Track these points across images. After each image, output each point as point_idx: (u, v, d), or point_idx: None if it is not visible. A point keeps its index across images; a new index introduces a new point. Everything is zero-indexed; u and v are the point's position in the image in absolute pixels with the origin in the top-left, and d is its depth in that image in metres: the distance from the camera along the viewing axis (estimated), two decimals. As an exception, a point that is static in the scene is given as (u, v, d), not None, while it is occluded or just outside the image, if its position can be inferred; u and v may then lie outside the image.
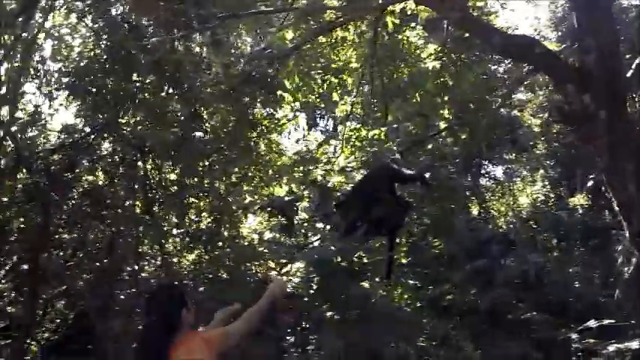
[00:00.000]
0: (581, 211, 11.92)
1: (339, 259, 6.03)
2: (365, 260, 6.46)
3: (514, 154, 14.48)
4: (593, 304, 9.41)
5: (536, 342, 7.65)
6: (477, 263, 10.71)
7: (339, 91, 11.70)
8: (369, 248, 6.65)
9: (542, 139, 15.46)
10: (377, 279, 6.69)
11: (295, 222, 8.54)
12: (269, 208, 8.66)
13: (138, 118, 9.41)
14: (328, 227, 7.97)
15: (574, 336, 6.97)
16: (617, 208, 6.80)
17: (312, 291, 6.62)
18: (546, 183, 16.64)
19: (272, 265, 10.46)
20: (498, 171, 17.44)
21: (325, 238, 7.51)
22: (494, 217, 13.50)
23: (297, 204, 8.46)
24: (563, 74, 6.62)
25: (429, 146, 10.80)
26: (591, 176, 12.88)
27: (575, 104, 6.79)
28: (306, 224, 9.66)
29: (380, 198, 7.01)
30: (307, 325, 7.46)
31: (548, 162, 16.47)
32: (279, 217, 8.67)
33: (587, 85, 6.51)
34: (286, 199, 8.77)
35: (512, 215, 13.66)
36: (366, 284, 6.33)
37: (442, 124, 10.59)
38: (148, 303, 3.77)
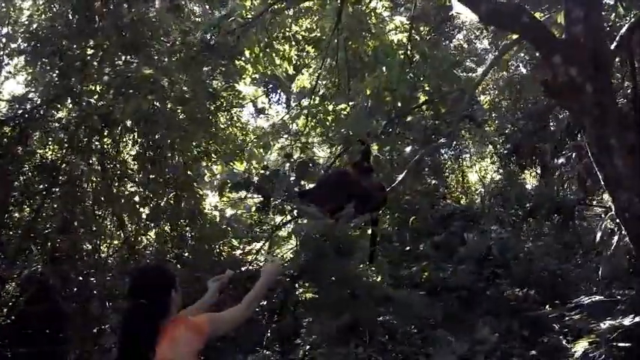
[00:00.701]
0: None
1: (327, 237, 5.72)
2: (352, 238, 6.19)
3: (469, 131, 14.40)
4: (562, 280, 9.43)
5: (519, 319, 7.54)
6: (438, 238, 10.65)
7: (301, 63, 11.34)
8: (355, 226, 6.39)
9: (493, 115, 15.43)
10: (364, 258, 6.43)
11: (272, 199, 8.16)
12: (243, 185, 8.24)
13: (102, 87, 8.84)
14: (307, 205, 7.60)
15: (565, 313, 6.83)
16: (602, 183, 6.70)
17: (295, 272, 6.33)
18: (495, 160, 16.67)
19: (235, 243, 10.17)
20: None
21: (304, 216, 7.17)
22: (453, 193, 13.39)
23: (274, 180, 8.06)
24: (549, 45, 6.46)
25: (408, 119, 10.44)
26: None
27: (562, 77, 6.67)
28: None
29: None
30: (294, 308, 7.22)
31: (496, 138, 16.48)
32: (254, 193, 8.26)
33: (573, 58, 6.37)
34: (262, 173, 8.36)
35: (473, 191, 13.58)
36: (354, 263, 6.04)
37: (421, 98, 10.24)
38: (133, 285, 3.49)
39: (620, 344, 6.28)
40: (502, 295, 8.28)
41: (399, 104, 9.73)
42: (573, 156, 9.71)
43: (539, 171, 13.79)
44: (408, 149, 10.28)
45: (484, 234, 10.79)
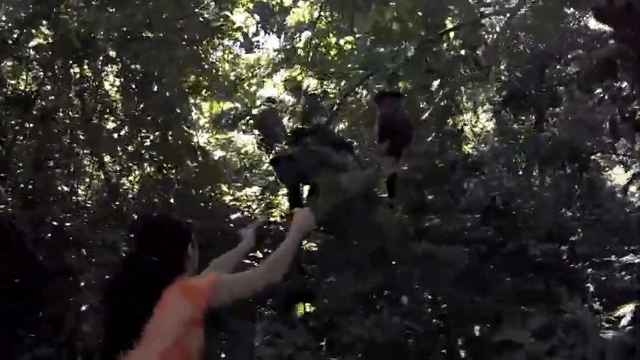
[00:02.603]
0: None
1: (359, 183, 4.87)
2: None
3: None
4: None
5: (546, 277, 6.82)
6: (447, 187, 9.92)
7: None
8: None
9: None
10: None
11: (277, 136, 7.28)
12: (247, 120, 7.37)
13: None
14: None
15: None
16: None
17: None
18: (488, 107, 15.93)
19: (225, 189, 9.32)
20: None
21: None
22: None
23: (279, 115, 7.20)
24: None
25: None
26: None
27: (618, 1, 5.90)
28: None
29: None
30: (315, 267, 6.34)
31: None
32: (257, 130, 7.38)
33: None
34: (265, 108, 7.49)
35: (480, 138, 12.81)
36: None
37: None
38: (141, 237, 2.93)
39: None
40: (524, 250, 7.53)
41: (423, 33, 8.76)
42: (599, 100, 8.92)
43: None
44: (436, 83, 9.35)
45: (486, 183, 10.09)
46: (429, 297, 5.53)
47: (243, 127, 8.04)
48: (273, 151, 7.88)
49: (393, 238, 5.17)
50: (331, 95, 8.65)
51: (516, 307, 5.61)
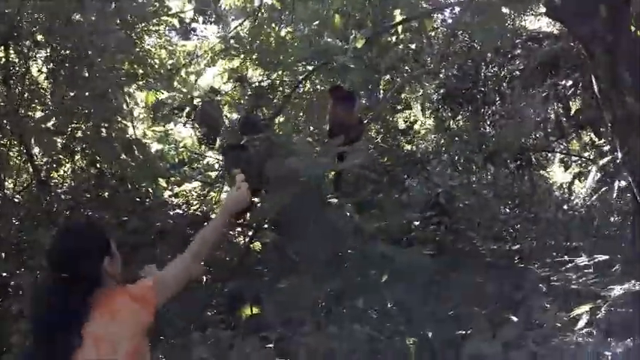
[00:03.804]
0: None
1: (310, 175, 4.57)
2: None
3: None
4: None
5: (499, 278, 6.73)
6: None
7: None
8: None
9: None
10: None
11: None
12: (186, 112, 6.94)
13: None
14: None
15: (569, 275, 6.09)
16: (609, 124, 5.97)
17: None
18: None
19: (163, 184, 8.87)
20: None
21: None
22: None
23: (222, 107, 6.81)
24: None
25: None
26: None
27: (572, -1, 5.86)
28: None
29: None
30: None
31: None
32: (199, 123, 6.97)
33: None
34: (206, 99, 7.07)
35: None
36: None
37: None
38: (52, 252, 2.71)
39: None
40: (477, 250, 7.45)
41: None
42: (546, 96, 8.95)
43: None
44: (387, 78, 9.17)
45: (429, 180, 10.01)
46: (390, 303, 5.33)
47: (183, 120, 7.65)
48: (214, 145, 7.53)
49: (349, 240, 4.95)
50: (278, 88, 8.31)
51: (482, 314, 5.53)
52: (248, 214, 6.83)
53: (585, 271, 6.01)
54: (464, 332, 5.27)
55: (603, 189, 6.95)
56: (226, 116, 7.93)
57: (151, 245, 7.09)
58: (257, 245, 7.23)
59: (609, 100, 5.83)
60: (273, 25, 9.44)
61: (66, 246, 2.68)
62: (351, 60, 7.46)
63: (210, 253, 3.04)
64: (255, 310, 5.86)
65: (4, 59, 7.68)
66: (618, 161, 5.94)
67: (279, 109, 7.82)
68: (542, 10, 9.38)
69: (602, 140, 8.63)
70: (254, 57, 8.71)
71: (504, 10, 12.06)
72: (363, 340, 4.66)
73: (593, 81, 5.74)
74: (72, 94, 7.92)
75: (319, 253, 4.53)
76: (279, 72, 8.38)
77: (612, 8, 5.58)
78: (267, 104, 7.60)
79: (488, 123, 11.73)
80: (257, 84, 7.88)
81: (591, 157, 9.43)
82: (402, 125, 11.32)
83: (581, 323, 5.48)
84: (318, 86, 9.33)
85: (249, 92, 7.54)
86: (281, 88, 8.40)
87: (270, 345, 5.08)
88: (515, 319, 5.85)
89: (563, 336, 5.33)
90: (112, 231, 2.94)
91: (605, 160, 6.49)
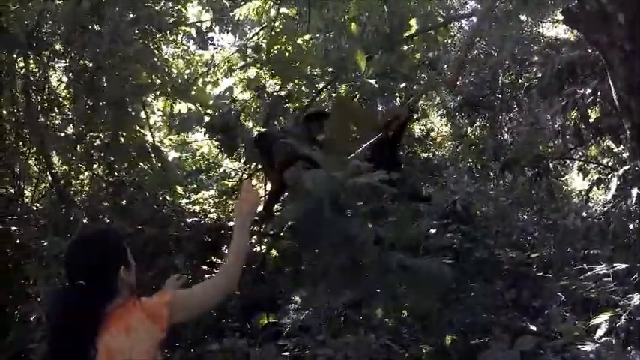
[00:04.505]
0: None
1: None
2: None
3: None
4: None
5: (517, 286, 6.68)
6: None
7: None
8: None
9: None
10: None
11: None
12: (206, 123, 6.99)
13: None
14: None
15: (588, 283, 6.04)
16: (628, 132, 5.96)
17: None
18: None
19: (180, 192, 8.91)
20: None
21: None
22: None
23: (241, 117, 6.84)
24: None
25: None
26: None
27: (589, 5, 5.80)
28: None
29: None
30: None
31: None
32: (218, 133, 7.02)
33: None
34: (230, 110, 7.11)
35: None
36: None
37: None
38: (68, 260, 2.69)
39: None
40: (495, 258, 7.40)
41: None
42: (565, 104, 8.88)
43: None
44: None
45: (446, 188, 9.96)
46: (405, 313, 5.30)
47: (202, 130, 7.69)
48: (232, 154, 7.56)
49: (366, 248, 4.91)
50: (297, 97, 8.31)
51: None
52: (265, 223, 6.86)
53: (604, 279, 5.95)
54: (481, 341, 5.25)
55: (622, 196, 6.88)
56: (244, 125, 7.93)
57: (168, 254, 7.12)
58: (274, 253, 7.26)
59: (628, 108, 5.78)
60: (289, 33, 9.44)
61: (82, 254, 2.67)
62: (374, 79, 7.45)
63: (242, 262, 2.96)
64: (271, 319, 5.86)
65: (24, 69, 7.79)
66: (637, 169, 5.91)
67: (297, 119, 7.81)
68: (559, 17, 9.38)
69: (622, 147, 8.58)
70: (270, 67, 8.70)
71: (522, 17, 12.08)
72: (379, 349, 4.64)
73: (612, 89, 5.70)
74: (90, 103, 8.02)
75: (336, 262, 4.51)
76: (297, 81, 8.37)
77: (630, 16, 5.54)
78: (285, 114, 7.60)
79: (506, 130, 11.71)
80: (275, 93, 7.87)
81: (609, 165, 9.37)
82: (418, 133, 11.26)
83: (600, 332, 5.43)
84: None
85: (267, 101, 7.52)
86: (299, 98, 8.38)
87: (287, 353, 5.08)
88: (533, 327, 5.83)
89: (582, 345, 5.27)
90: (129, 239, 2.90)
91: (626, 168, 6.42)
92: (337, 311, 5.01)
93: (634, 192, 6.23)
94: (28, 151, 7.92)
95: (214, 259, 7.56)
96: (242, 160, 8.03)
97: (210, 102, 8.67)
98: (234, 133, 6.72)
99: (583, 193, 9.74)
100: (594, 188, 8.98)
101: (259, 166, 7.80)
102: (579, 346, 5.35)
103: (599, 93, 8.35)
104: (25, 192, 7.91)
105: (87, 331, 2.48)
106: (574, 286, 6.30)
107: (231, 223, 8.16)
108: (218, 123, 6.99)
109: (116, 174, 8.20)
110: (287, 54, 9.06)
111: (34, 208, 7.74)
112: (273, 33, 9.58)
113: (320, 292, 4.67)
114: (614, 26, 5.52)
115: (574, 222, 9.32)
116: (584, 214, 9.60)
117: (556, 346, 4.97)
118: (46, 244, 6.38)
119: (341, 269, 4.46)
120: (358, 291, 4.63)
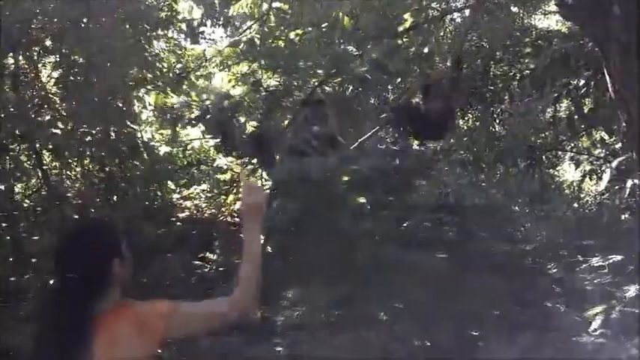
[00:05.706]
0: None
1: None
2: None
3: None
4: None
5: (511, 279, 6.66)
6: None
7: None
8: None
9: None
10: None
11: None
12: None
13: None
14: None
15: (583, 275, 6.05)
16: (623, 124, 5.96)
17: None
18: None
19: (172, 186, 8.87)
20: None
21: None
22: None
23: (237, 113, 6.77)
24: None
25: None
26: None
27: (587, -2, 5.80)
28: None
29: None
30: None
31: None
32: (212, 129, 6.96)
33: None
34: (224, 105, 7.04)
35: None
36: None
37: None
38: (58, 251, 2.49)
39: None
40: (488, 250, 7.37)
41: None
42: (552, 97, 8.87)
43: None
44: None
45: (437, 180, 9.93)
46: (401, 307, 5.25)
47: (194, 124, 7.65)
48: (229, 151, 7.52)
49: (360, 243, 4.90)
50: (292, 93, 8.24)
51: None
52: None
53: (599, 271, 5.95)
54: (477, 334, 5.23)
55: (615, 187, 6.89)
56: (238, 120, 7.87)
57: (164, 251, 7.08)
58: (267, 249, 7.21)
59: (624, 99, 5.79)
60: (282, 27, 9.39)
61: (73, 243, 2.51)
62: (369, 71, 7.41)
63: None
64: (265, 315, 5.82)
65: (13, 65, 7.72)
66: (631, 160, 5.91)
67: (295, 114, 7.74)
68: (552, 8, 9.36)
69: (615, 138, 8.57)
70: (264, 62, 8.64)
71: (513, 8, 12.03)
72: (374, 345, 4.60)
73: (608, 80, 5.70)
74: (81, 98, 7.96)
75: (330, 257, 4.48)
76: (293, 75, 8.30)
77: (626, 7, 5.53)
78: (281, 109, 7.54)
79: (498, 122, 11.67)
80: (270, 88, 7.79)
81: (602, 156, 9.37)
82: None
83: (596, 324, 5.43)
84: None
85: (262, 96, 7.46)
86: (296, 92, 8.32)
87: (280, 349, 5.05)
88: (528, 320, 5.83)
89: (578, 337, 5.27)
90: (124, 234, 2.74)
91: (620, 159, 6.42)
92: (331, 307, 4.96)
93: (629, 183, 6.22)
94: (18, 147, 7.85)
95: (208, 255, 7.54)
96: (235, 154, 7.96)
97: (204, 95, 8.67)
98: (231, 129, 6.66)
99: (575, 184, 9.76)
100: (586, 179, 9.01)
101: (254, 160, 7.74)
102: (575, 339, 5.37)
103: (592, 84, 8.35)
104: (15, 188, 7.85)
105: (74, 336, 2.27)
106: (569, 279, 6.30)
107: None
108: (214, 118, 6.92)
109: (107, 169, 8.14)
110: (280, 48, 9.04)
111: (25, 205, 7.70)
112: (265, 28, 9.55)
113: (314, 287, 4.63)
114: (610, 17, 5.51)
115: (566, 213, 9.37)
116: (576, 205, 9.64)
117: (551, 339, 4.97)
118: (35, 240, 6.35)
119: (335, 264, 4.43)
120: (351, 286, 4.60)
